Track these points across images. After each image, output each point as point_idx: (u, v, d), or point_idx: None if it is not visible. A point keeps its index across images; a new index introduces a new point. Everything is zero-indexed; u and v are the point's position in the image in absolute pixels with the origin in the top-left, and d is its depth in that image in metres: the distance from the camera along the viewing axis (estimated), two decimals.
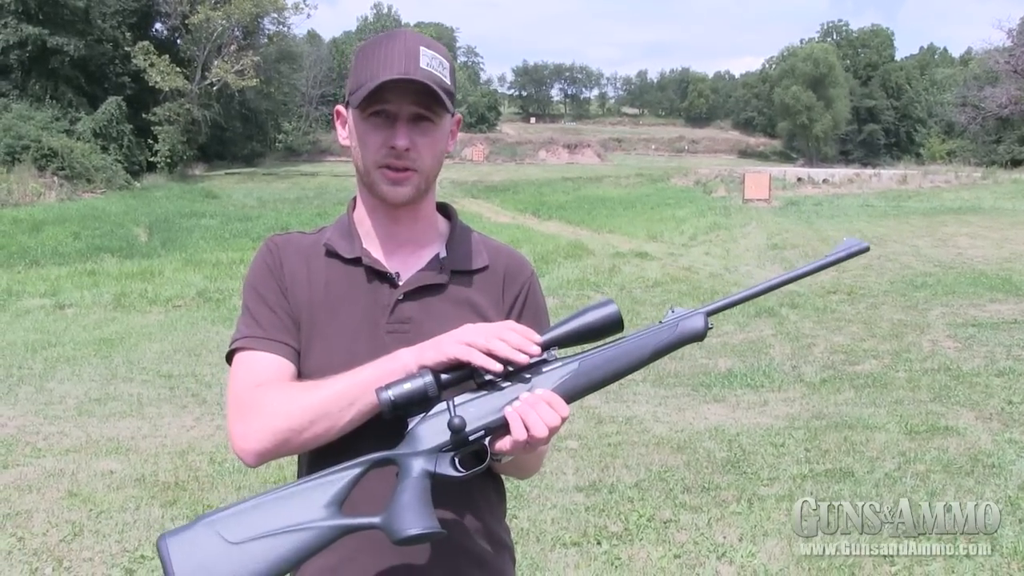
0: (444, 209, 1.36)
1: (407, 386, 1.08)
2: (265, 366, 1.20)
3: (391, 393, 1.08)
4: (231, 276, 12.24)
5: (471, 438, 1.11)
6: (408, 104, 1.18)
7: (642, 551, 3.62)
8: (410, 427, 1.11)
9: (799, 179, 30.97)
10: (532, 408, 1.09)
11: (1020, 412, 5.46)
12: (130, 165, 31.71)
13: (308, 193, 29.08)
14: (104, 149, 30.51)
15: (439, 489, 1.11)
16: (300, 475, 1.29)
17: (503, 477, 1.36)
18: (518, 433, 1.08)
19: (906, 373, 6.59)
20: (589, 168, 45.01)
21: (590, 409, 5.65)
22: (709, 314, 1.18)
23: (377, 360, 1.14)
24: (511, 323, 1.16)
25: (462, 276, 1.28)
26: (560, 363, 1.14)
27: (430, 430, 1.10)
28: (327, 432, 1.13)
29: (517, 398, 1.10)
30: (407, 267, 1.27)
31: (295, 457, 1.33)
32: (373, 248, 1.28)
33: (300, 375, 1.26)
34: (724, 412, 5.78)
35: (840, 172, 33.90)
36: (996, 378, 6.28)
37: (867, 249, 1.23)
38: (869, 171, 36.28)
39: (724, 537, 3.73)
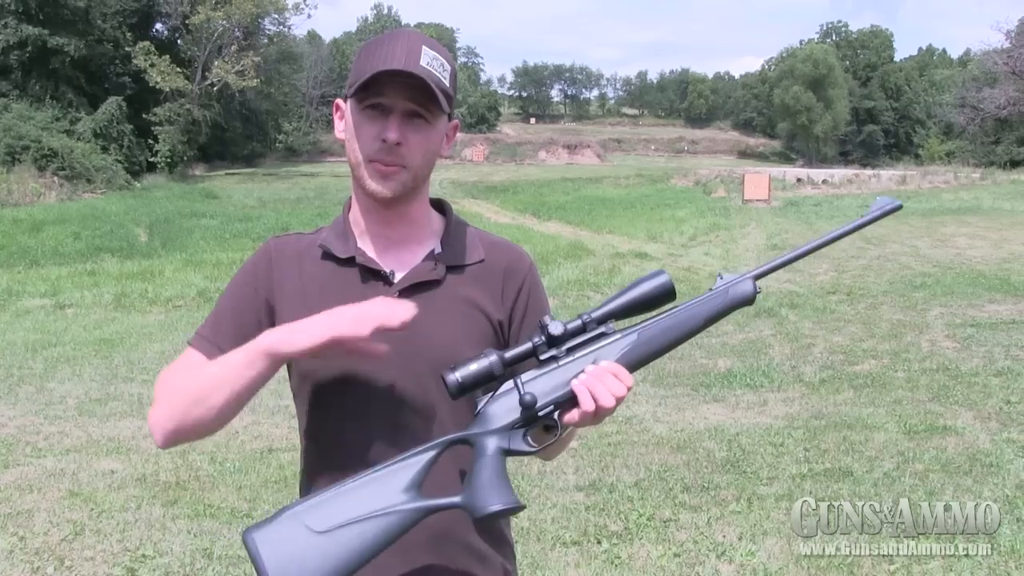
0: (440, 206, 1.36)
1: (473, 367, 1.11)
2: (196, 365, 1.23)
3: (458, 375, 1.11)
4: (231, 276, 12.21)
5: (541, 413, 1.13)
6: (403, 99, 1.18)
7: (642, 550, 3.63)
8: (480, 407, 1.14)
9: (798, 180, 30.98)
10: (599, 380, 1.11)
11: (1018, 412, 5.47)
12: (130, 165, 31.75)
13: (308, 193, 29.10)
14: (104, 149, 30.54)
15: (440, 485, 1.12)
16: (305, 475, 1.31)
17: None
18: (587, 404, 1.10)
19: (905, 373, 6.61)
20: (589, 168, 44.97)
21: None
22: (757, 278, 1.20)
23: (246, 344, 1.15)
24: (377, 299, 1.16)
25: (458, 271, 1.28)
26: (620, 335, 1.16)
27: (500, 408, 1.13)
28: (225, 406, 1.16)
29: (583, 371, 1.13)
30: (402, 264, 1.27)
31: (298, 456, 1.34)
32: (367, 247, 1.28)
33: (296, 375, 1.28)
34: (724, 412, 5.80)
35: (839, 173, 33.89)
36: (994, 378, 6.30)
37: (900, 207, 1.26)
38: (868, 172, 36.28)
39: (724, 536, 3.74)
